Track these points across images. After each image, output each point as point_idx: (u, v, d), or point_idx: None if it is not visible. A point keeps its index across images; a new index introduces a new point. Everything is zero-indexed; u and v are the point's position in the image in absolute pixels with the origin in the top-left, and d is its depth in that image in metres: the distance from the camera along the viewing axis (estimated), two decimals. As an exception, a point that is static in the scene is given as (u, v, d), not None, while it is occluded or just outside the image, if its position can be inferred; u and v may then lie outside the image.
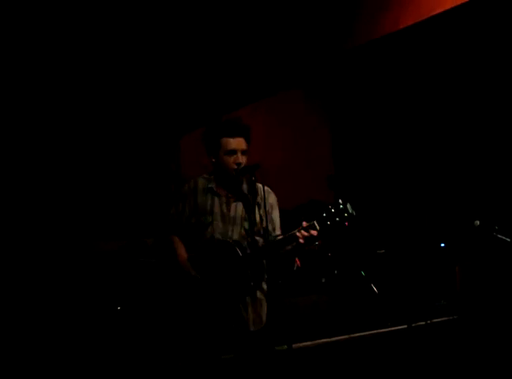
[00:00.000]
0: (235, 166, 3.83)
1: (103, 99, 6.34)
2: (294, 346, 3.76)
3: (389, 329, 4.77)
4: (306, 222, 3.63)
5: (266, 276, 3.82)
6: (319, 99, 8.02)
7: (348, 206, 3.58)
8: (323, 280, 6.11)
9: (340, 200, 3.60)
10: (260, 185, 3.83)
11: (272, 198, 3.94)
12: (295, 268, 6.01)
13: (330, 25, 6.25)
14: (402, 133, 7.26)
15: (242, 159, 3.84)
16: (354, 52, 6.33)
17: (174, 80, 6.62)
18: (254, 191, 3.81)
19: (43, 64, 5.84)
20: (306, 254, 6.13)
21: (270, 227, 3.87)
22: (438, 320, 4.81)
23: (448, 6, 5.46)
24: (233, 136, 3.85)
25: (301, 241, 3.60)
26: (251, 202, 3.80)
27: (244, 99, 6.85)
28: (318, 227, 3.60)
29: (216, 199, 3.89)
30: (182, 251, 3.87)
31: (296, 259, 5.99)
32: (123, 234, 6.08)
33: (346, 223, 3.56)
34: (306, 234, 3.59)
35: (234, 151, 3.84)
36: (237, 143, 3.85)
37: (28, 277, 5.50)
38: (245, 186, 3.89)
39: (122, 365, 4.95)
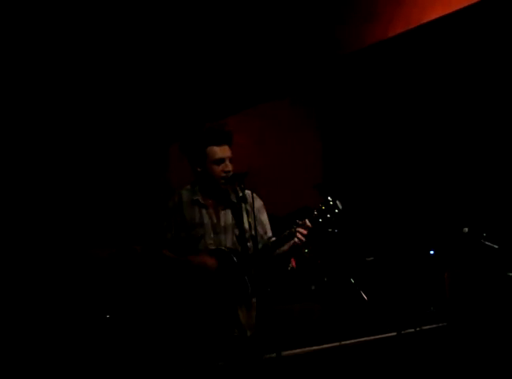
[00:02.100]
0: (224, 175, 3.82)
1: (94, 108, 6.33)
2: (283, 353, 3.76)
3: (379, 337, 4.77)
4: (299, 221, 3.70)
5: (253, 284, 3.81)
6: (309, 105, 8.04)
7: (338, 203, 3.71)
8: (313, 288, 6.11)
9: (329, 198, 3.67)
10: (248, 192, 3.83)
11: (258, 202, 3.94)
12: (289, 268, 6.00)
13: (319, 33, 6.27)
14: (391, 140, 7.29)
15: (231, 167, 3.83)
16: (343, 60, 6.36)
17: (163, 88, 6.63)
18: (244, 198, 3.82)
19: (42, 62, 5.82)
20: (298, 260, 6.14)
21: (261, 231, 3.91)
22: (428, 327, 4.81)
23: (436, 15, 5.51)
24: (219, 144, 3.83)
25: (297, 239, 3.66)
26: (241, 209, 3.80)
27: (234, 107, 6.86)
28: (310, 225, 3.68)
29: (204, 210, 3.88)
30: (177, 256, 3.82)
31: (292, 260, 5.98)
32: (113, 241, 6.06)
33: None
34: (301, 231, 3.67)
35: (222, 160, 3.84)
36: (223, 151, 3.84)
37: (18, 283, 5.47)
38: (232, 194, 3.89)
39: (113, 371, 4.93)
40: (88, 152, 6.41)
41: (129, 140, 6.73)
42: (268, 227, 3.98)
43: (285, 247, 3.78)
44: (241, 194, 3.83)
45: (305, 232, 3.70)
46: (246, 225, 3.81)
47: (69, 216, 6.11)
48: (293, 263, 6.05)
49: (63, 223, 6.05)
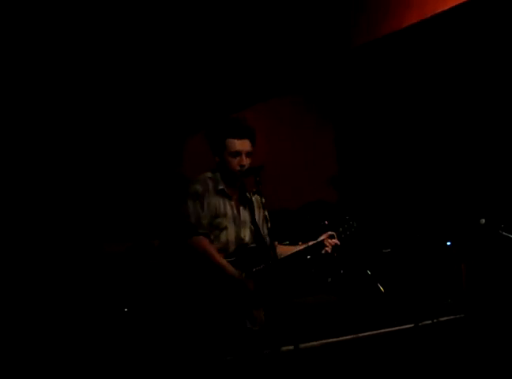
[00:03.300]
0: (239, 168, 3.83)
1: (110, 103, 6.36)
2: (301, 346, 3.77)
3: (396, 328, 4.76)
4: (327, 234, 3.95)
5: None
6: (322, 99, 8.02)
7: (354, 223, 4.02)
8: (329, 280, 6.10)
9: (347, 217, 4.03)
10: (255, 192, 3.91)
11: (264, 203, 3.97)
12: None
13: (333, 25, 6.24)
14: (406, 131, 7.24)
15: (246, 161, 3.85)
16: (357, 52, 6.33)
17: (178, 83, 6.63)
18: (259, 192, 3.84)
19: (49, 66, 5.87)
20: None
21: (265, 231, 3.93)
22: (445, 318, 4.80)
23: (451, 5, 5.46)
24: (238, 137, 3.85)
25: (329, 250, 3.91)
26: (259, 204, 3.83)
27: (248, 101, 6.85)
28: (338, 242, 3.97)
29: (227, 201, 3.90)
30: (215, 251, 3.79)
31: None
32: (130, 235, 6.09)
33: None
34: (333, 243, 3.93)
35: (239, 153, 3.84)
36: (242, 144, 3.85)
37: (36, 279, 5.52)
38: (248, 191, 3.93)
39: (129, 366, 4.97)
40: (105, 148, 6.45)
41: (146, 135, 6.76)
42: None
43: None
44: (256, 188, 3.86)
45: (333, 244, 3.92)
46: (260, 221, 3.87)
47: (85, 212, 6.15)
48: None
49: (80, 218, 6.09)
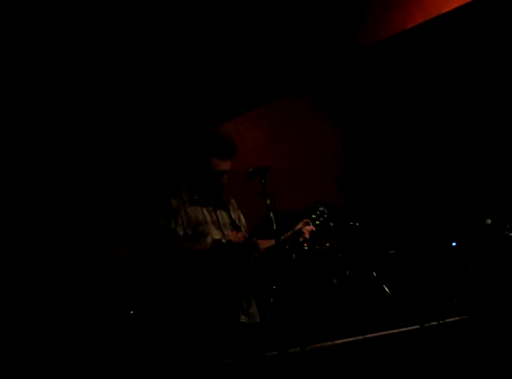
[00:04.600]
0: (218, 186, 3.97)
1: (109, 107, 6.36)
2: (307, 347, 3.77)
3: (402, 330, 4.76)
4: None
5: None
6: (329, 100, 8.01)
7: (324, 209, 4.02)
8: (335, 281, 6.10)
9: (317, 205, 4.04)
10: (226, 194, 4.05)
11: (236, 204, 4.15)
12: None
13: (338, 25, 6.24)
14: (413, 132, 7.24)
15: (226, 180, 3.97)
16: (363, 52, 6.32)
17: (181, 83, 6.63)
18: (264, 193, 3.87)
19: (49, 66, 5.88)
20: (317, 255, 6.16)
21: (244, 230, 4.06)
22: (451, 319, 4.79)
23: (456, 5, 5.45)
24: (223, 158, 3.93)
25: (307, 235, 3.90)
26: (234, 206, 4.04)
27: (251, 102, 6.85)
28: (313, 228, 3.97)
29: (205, 209, 3.98)
30: (192, 244, 3.88)
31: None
32: (135, 238, 6.09)
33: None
34: (310, 229, 3.93)
35: (222, 173, 3.94)
36: (226, 164, 3.96)
37: (41, 281, 5.54)
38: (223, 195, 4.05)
39: (135, 367, 4.98)
40: (109, 151, 6.45)
41: (148, 136, 6.76)
42: (246, 228, 4.15)
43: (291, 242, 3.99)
44: (261, 189, 3.90)
45: (309, 230, 3.93)
46: (237, 221, 4.01)
47: (90, 214, 6.16)
48: (293, 255, 6.10)
49: (85, 221, 6.10)
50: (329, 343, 4.52)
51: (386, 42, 6.06)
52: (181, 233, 3.88)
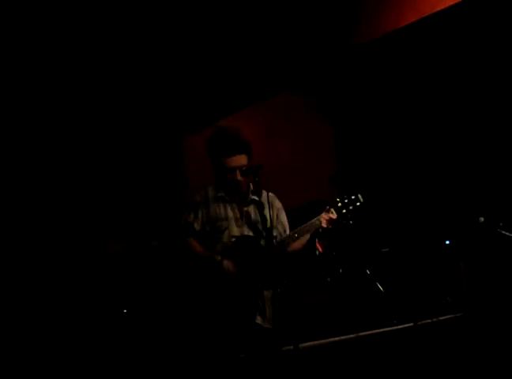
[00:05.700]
0: (233, 182, 3.99)
1: (109, 105, 6.36)
2: (300, 345, 3.77)
3: (396, 328, 4.77)
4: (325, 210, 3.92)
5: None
6: (321, 97, 8.01)
7: (359, 196, 3.89)
8: (328, 279, 6.11)
9: (351, 191, 3.92)
10: (271, 194, 4.06)
11: (278, 203, 4.15)
12: (317, 254, 6.07)
13: (331, 24, 6.24)
14: (405, 130, 7.25)
15: (239, 176, 3.95)
16: (356, 51, 6.33)
17: (177, 81, 6.63)
18: (257, 192, 3.90)
19: (49, 66, 5.88)
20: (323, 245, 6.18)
21: (281, 229, 4.09)
22: (444, 317, 4.80)
23: (449, 3, 5.46)
24: (232, 155, 3.94)
25: (324, 224, 3.86)
26: (262, 205, 3.94)
27: (247, 99, 6.85)
28: (335, 215, 3.89)
29: (228, 205, 4.04)
30: (202, 248, 3.98)
31: (318, 245, 6.07)
32: (128, 236, 6.09)
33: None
34: (327, 217, 3.87)
35: (233, 170, 3.95)
36: (236, 161, 3.97)
37: (34, 279, 5.52)
38: (253, 193, 4.05)
39: (129, 367, 4.96)
40: (103, 149, 6.45)
41: (144, 135, 6.75)
42: (287, 226, 4.13)
43: (308, 235, 3.95)
44: (255, 187, 3.93)
45: (329, 218, 3.87)
46: (268, 221, 3.92)
47: (83, 212, 6.15)
48: (319, 248, 6.09)
49: (78, 219, 6.09)
50: (323, 341, 4.52)
51: (379, 40, 6.08)
52: (197, 228, 4.00)
